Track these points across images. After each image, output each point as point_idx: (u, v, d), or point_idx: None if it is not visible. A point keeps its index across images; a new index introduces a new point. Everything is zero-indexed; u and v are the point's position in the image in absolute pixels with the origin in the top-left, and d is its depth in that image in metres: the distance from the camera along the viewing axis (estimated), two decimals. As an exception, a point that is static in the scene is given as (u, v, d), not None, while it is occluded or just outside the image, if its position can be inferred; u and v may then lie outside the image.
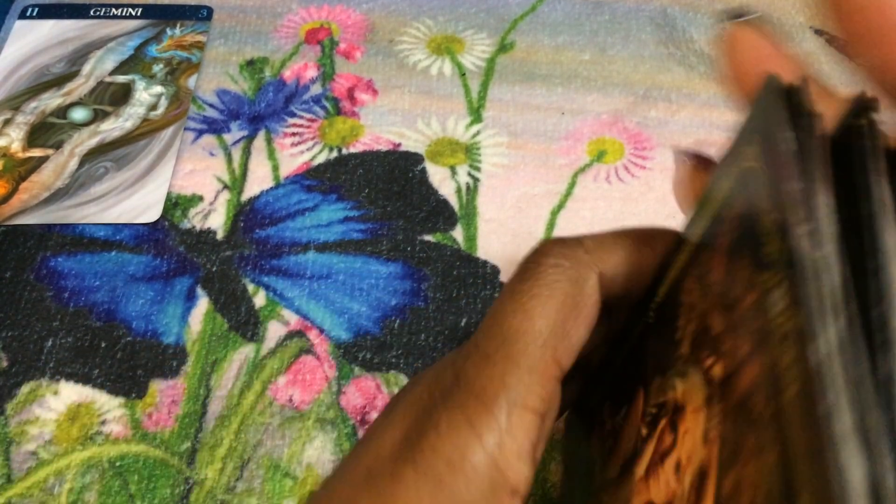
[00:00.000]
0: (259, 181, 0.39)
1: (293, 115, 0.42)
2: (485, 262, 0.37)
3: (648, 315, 0.19)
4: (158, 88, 0.43)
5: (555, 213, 0.38)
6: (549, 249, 0.18)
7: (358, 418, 0.32)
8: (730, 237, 0.16)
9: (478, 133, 0.42)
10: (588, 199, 0.39)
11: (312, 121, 0.42)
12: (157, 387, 0.33)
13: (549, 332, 0.16)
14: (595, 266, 0.18)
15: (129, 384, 0.33)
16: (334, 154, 0.40)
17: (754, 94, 0.15)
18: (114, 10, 0.46)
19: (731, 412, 0.14)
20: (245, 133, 0.41)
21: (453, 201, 0.39)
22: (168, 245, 0.37)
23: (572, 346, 0.17)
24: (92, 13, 0.46)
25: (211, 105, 0.42)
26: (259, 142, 0.41)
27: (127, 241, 0.37)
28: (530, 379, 0.16)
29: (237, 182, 0.39)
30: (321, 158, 0.40)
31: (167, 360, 0.33)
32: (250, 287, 0.36)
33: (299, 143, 0.41)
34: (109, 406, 0.32)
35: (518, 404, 0.15)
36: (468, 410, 0.15)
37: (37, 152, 0.40)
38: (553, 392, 0.16)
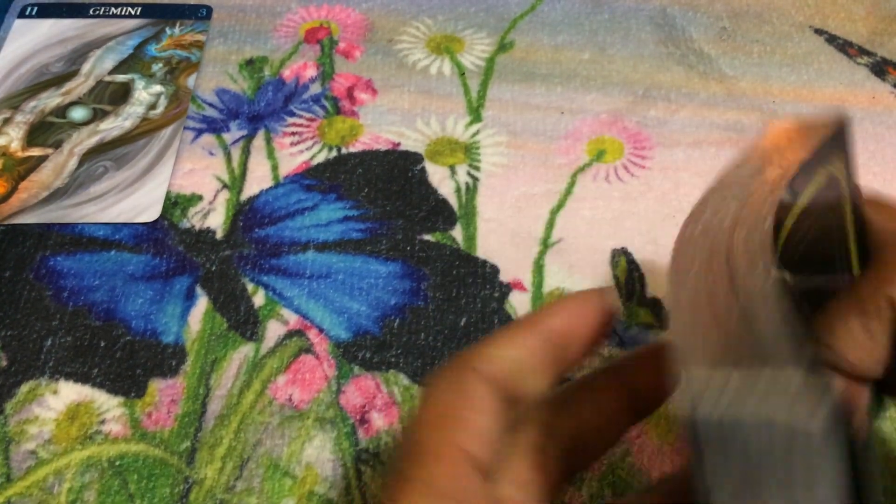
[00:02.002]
0: (258, 180, 0.39)
1: (292, 114, 0.42)
2: (484, 262, 0.37)
3: None
4: (158, 87, 0.43)
5: (554, 212, 0.39)
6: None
7: (357, 417, 0.32)
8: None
9: (477, 132, 0.42)
10: (587, 198, 0.39)
11: (312, 120, 0.42)
12: (157, 386, 0.33)
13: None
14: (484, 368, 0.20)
15: (128, 383, 0.33)
16: (334, 153, 0.40)
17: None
18: (113, 9, 0.46)
19: None
20: (244, 132, 0.41)
21: (453, 201, 0.39)
22: (167, 244, 0.37)
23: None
24: (91, 12, 0.46)
25: (210, 104, 0.42)
26: (258, 141, 0.41)
27: (126, 240, 0.37)
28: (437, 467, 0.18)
29: (236, 181, 0.39)
30: (320, 158, 0.40)
31: (166, 360, 0.33)
32: (249, 286, 0.36)
33: (299, 142, 0.41)
34: (109, 405, 0.32)
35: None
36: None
37: (36, 151, 0.40)
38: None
